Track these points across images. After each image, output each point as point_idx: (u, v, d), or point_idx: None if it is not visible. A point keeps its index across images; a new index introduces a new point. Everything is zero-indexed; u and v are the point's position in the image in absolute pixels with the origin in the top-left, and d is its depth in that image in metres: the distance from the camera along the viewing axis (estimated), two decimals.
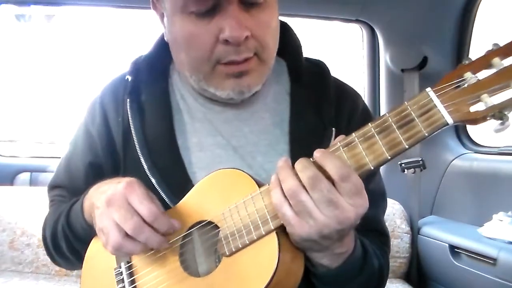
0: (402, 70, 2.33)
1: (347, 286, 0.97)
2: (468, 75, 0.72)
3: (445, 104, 0.73)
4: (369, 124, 0.80)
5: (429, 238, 2.20)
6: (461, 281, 1.94)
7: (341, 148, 0.82)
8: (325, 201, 0.79)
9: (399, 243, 2.29)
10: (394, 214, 2.33)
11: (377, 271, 1.04)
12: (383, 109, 2.54)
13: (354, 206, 0.80)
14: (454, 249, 1.98)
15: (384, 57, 2.44)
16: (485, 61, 0.72)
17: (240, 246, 0.88)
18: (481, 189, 2.10)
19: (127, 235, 0.90)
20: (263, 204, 0.87)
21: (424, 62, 2.26)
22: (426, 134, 0.75)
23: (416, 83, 2.27)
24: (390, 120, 0.78)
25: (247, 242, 0.87)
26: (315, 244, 0.84)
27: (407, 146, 0.76)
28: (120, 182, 0.93)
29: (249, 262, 0.87)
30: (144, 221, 0.89)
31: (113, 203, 0.90)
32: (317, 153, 0.83)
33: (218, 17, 0.96)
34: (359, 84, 2.60)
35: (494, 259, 1.72)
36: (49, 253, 1.22)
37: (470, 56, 2.06)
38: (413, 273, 2.32)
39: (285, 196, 0.82)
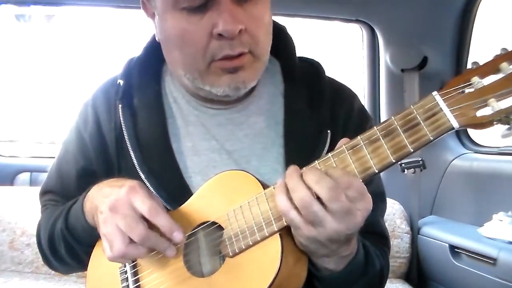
0: (402, 70, 2.33)
1: None
2: (475, 79, 0.72)
3: (451, 108, 0.73)
4: (375, 127, 0.80)
5: (429, 238, 2.20)
6: (461, 281, 1.94)
7: (346, 151, 0.82)
8: (344, 210, 0.79)
9: (399, 243, 2.29)
10: (394, 214, 2.33)
11: (378, 272, 1.04)
12: (383, 109, 2.54)
13: (360, 210, 0.80)
14: (454, 249, 1.99)
15: (384, 57, 2.43)
16: (492, 66, 0.71)
17: (244, 247, 0.88)
18: (481, 189, 2.10)
19: (131, 241, 0.90)
20: (267, 206, 0.86)
21: (424, 62, 2.26)
22: (432, 138, 0.75)
23: (416, 83, 2.27)
24: (396, 123, 0.78)
25: (251, 243, 0.87)
26: (321, 246, 0.84)
27: (412, 150, 0.76)
28: (123, 185, 0.93)
29: (252, 263, 0.88)
30: (149, 225, 0.89)
31: (117, 209, 0.90)
32: (320, 160, 0.83)
33: (211, 12, 0.95)
34: (359, 84, 2.60)
35: (494, 259, 1.73)
36: (45, 258, 1.21)
37: (469, 56, 2.05)
38: (413, 273, 2.32)
39: (291, 202, 0.81)
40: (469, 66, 0.76)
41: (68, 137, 1.21)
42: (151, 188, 1.03)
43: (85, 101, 1.19)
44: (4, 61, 3.39)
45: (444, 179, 2.31)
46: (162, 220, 0.90)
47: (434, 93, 0.75)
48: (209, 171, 1.05)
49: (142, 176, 1.05)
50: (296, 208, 0.81)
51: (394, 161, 0.78)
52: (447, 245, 2.02)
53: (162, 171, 1.06)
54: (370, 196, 0.82)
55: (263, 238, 0.86)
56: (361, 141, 0.81)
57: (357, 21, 2.49)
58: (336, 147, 0.85)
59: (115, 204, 0.91)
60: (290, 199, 0.82)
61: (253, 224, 0.87)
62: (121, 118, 1.10)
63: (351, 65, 2.80)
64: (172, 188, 1.05)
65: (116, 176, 1.10)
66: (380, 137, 0.79)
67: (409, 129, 0.76)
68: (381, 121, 2.53)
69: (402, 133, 0.77)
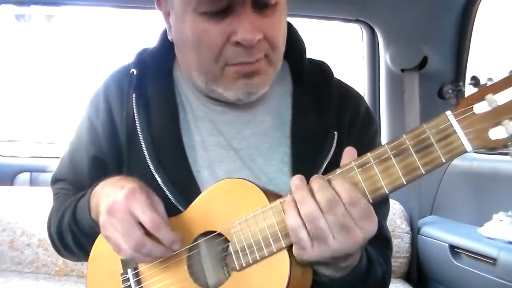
0: (402, 70, 2.33)
1: None
2: (489, 97, 0.70)
3: (465, 131, 0.71)
4: (385, 145, 0.79)
5: (429, 238, 2.21)
6: (461, 281, 1.96)
7: (355, 169, 0.80)
8: (338, 225, 0.78)
9: (399, 243, 2.30)
10: (394, 214, 2.34)
11: (381, 278, 1.05)
12: (383, 109, 2.54)
13: (363, 230, 0.80)
14: (454, 249, 2.00)
15: (384, 57, 2.44)
16: (507, 83, 0.70)
17: (251, 261, 0.87)
18: (481, 189, 2.11)
19: None
20: (274, 221, 0.85)
21: (424, 62, 2.27)
22: (444, 161, 0.73)
23: (416, 83, 2.28)
24: (407, 143, 0.76)
25: (258, 258, 0.87)
26: (321, 263, 0.85)
27: (424, 172, 0.75)
28: (123, 187, 0.91)
29: (260, 278, 0.87)
30: (147, 231, 0.88)
31: (114, 213, 0.89)
32: (329, 175, 0.83)
33: (231, 18, 0.94)
34: (359, 84, 2.60)
35: (494, 259, 1.74)
36: (55, 247, 1.21)
37: (469, 56, 2.04)
38: (413, 273, 2.34)
39: (301, 219, 0.81)
40: (475, 74, 0.74)
41: (79, 126, 1.20)
42: (160, 181, 1.03)
43: (96, 90, 1.18)
44: (4, 61, 3.38)
45: (444, 179, 2.32)
46: (163, 233, 0.89)
47: (448, 112, 0.73)
48: (216, 166, 1.06)
49: (152, 168, 1.04)
50: (305, 225, 0.81)
51: (405, 182, 0.76)
52: (447, 245, 2.03)
53: (172, 164, 1.06)
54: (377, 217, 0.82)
55: (271, 254, 0.86)
56: (371, 159, 0.79)
57: (357, 21, 2.49)
58: (345, 164, 0.83)
59: (112, 206, 0.89)
60: (300, 215, 0.81)
61: (260, 239, 0.86)
62: (134, 108, 1.09)
63: (351, 65, 2.80)
64: (180, 182, 1.04)
65: (125, 166, 1.11)
66: (391, 156, 0.77)
67: (422, 150, 0.75)
68: (381, 120, 2.49)
69: (414, 154, 0.75)
